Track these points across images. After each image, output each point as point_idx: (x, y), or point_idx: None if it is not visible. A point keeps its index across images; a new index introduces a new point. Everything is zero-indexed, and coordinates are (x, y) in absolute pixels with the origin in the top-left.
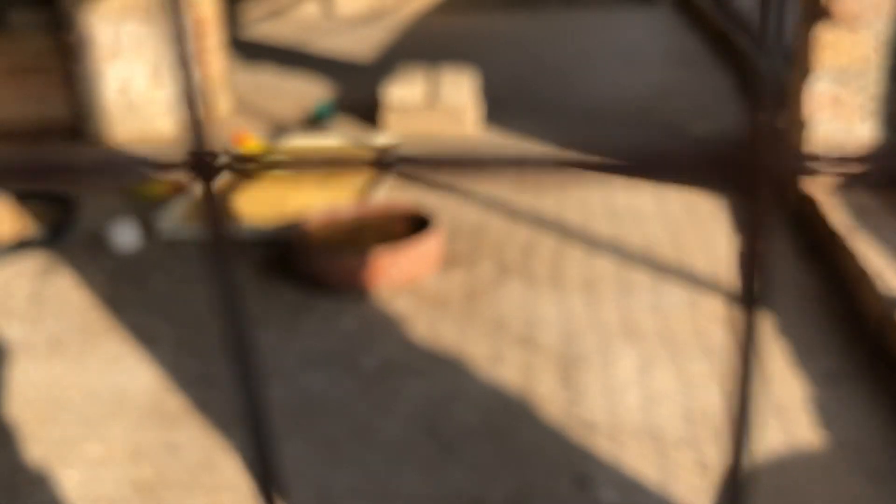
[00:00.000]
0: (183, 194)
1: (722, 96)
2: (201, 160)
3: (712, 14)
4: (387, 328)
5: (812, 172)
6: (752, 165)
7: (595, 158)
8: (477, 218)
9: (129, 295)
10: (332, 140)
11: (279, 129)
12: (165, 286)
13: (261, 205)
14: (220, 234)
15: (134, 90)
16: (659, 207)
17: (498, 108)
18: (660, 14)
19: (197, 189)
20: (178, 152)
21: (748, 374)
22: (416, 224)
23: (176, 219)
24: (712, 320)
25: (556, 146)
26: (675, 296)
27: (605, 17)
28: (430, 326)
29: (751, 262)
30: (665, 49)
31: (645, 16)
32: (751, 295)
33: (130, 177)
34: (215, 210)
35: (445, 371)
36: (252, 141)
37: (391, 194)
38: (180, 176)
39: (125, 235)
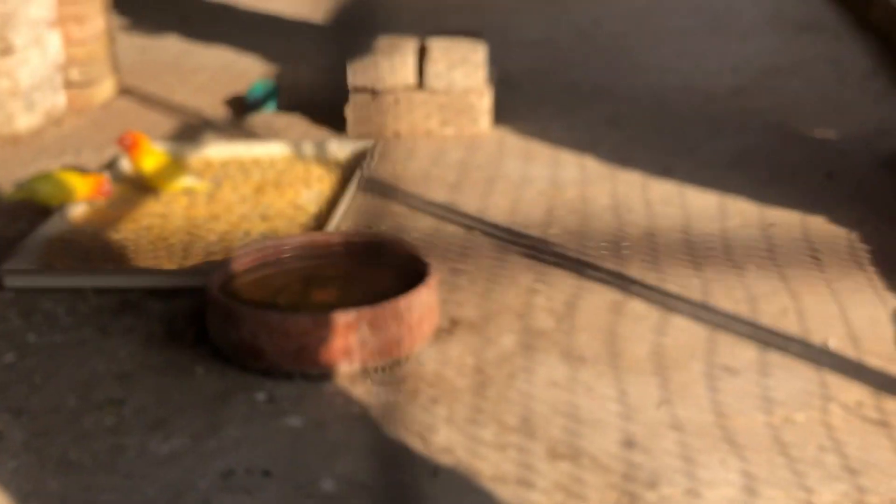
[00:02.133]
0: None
1: (859, 80)
2: None
3: None
4: (352, 432)
5: None
6: None
7: None
8: (492, 257)
9: None
10: (272, 147)
11: (189, 126)
12: (13, 361)
13: (161, 234)
14: None
15: None
16: (767, 243)
17: (520, 98)
18: None
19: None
20: None
21: None
22: (397, 267)
23: (28, 256)
24: (852, 421)
25: (608, 159)
26: (796, 383)
27: None
28: (419, 429)
29: None
30: (772, 7)
31: None
32: None
33: None
34: None
35: (443, 499)
36: (148, 149)
37: (358, 220)
38: None
39: None
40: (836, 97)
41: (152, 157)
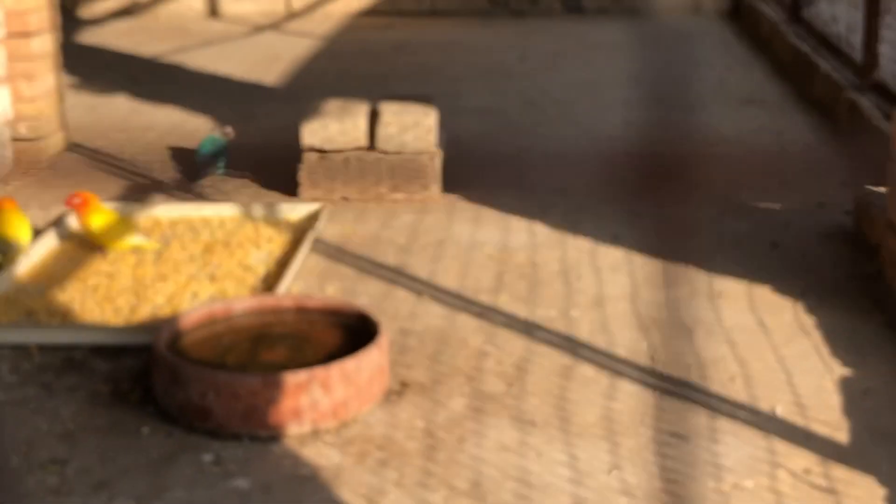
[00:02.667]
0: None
1: (801, 152)
2: None
3: (784, 30)
4: (301, 495)
5: None
6: None
7: None
8: (441, 320)
9: None
10: (222, 207)
11: (137, 185)
12: None
13: (108, 294)
14: None
15: None
16: (715, 317)
17: (469, 164)
18: (705, 28)
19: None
20: None
21: None
22: (346, 329)
23: None
24: (800, 488)
25: (557, 225)
26: (745, 449)
27: (625, 31)
28: (368, 492)
29: None
30: (716, 81)
31: (683, 31)
32: None
33: None
34: None
35: None
36: (97, 207)
37: (308, 283)
38: None
39: None
40: (778, 170)
41: (100, 215)
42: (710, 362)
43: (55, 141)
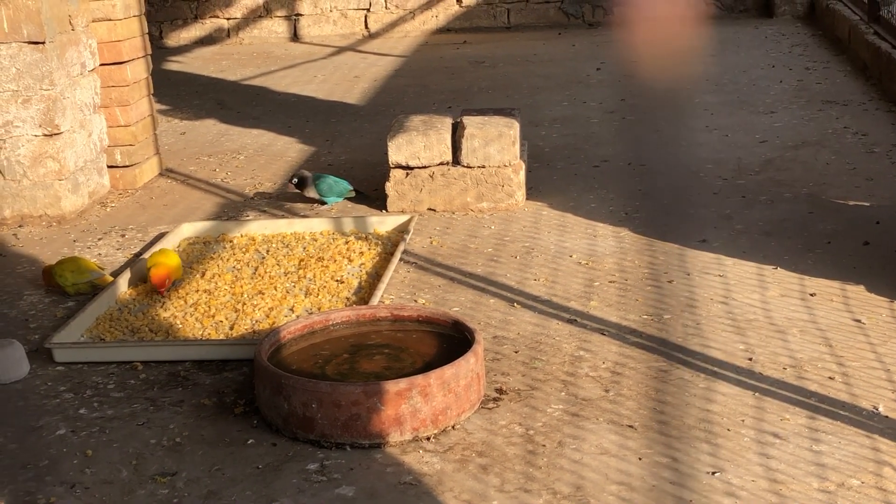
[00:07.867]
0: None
1: (887, 151)
2: None
3: (863, 30)
4: (405, 501)
5: None
6: None
7: None
8: (534, 327)
9: (9, 449)
10: (313, 223)
11: (229, 204)
12: (65, 434)
13: (207, 311)
14: None
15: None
16: (810, 317)
17: (552, 172)
18: (781, 31)
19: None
20: None
21: None
22: (442, 338)
23: (77, 331)
24: None
25: (644, 230)
26: (848, 448)
27: (700, 37)
28: (471, 498)
29: None
30: (796, 82)
31: (759, 35)
32: None
33: None
34: None
35: None
36: (176, 269)
37: (400, 293)
38: None
39: (4, 359)
40: (865, 168)
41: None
42: (807, 362)
43: (149, 166)
